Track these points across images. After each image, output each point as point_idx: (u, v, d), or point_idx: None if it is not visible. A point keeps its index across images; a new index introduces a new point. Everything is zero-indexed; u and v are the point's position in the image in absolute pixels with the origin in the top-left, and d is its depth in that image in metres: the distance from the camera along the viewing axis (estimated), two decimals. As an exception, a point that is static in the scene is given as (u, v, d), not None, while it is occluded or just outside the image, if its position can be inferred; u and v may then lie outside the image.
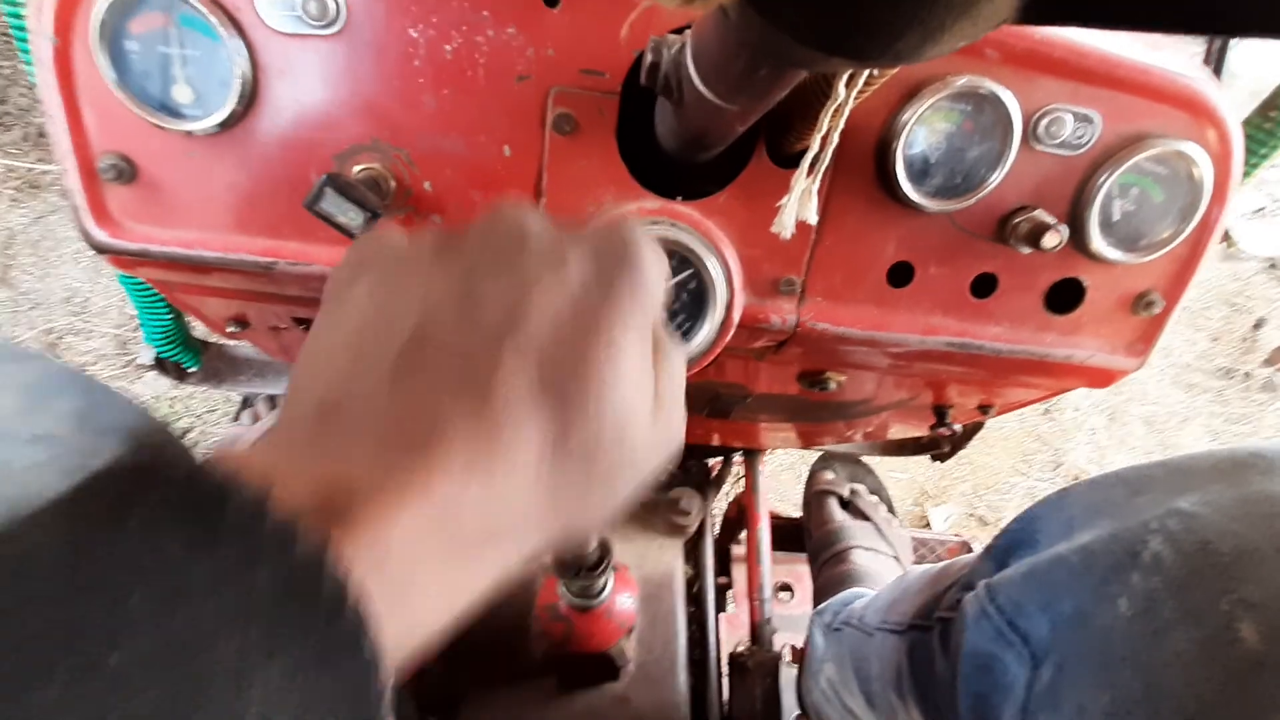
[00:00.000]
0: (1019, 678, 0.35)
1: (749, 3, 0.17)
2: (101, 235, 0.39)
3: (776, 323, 0.45)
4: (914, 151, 0.41)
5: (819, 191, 0.41)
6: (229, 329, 0.52)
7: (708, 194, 0.42)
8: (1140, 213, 0.42)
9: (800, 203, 0.28)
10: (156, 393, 1.53)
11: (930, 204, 0.42)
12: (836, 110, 0.25)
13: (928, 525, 1.75)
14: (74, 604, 0.12)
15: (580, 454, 0.20)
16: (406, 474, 0.17)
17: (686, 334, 0.43)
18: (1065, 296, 0.46)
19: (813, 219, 0.29)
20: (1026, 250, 0.43)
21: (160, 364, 0.66)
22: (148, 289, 0.60)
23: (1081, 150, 0.41)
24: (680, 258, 0.42)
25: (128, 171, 0.37)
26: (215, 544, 0.14)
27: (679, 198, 0.42)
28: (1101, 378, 0.50)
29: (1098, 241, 0.43)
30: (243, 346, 0.76)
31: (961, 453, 0.78)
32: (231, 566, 0.14)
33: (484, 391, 0.19)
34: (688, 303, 0.43)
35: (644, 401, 0.22)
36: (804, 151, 0.30)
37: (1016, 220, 0.42)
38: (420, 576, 0.17)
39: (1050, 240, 0.41)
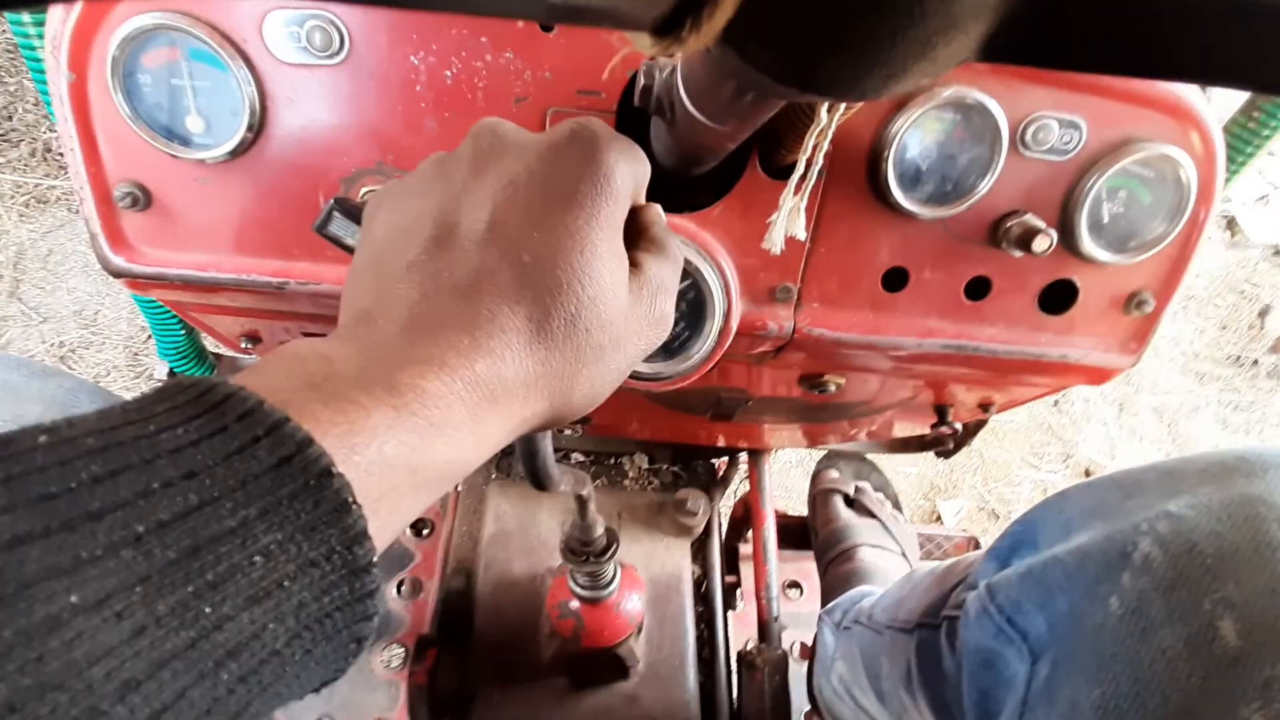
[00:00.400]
0: (1019, 673, 0.36)
1: (727, 44, 0.19)
2: (119, 260, 0.40)
3: (774, 329, 0.46)
4: (905, 160, 0.42)
5: (810, 202, 0.42)
6: (242, 345, 0.53)
7: (703, 206, 0.43)
8: (1129, 215, 0.43)
9: (789, 220, 0.29)
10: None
11: (923, 210, 0.42)
12: (820, 133, 0.26)
13: (938, 519, 1.75)
14: (109, 484, 0.15)
15: (562, 334, 0.23)
16: (417, 361, 0.21)
17: (685, 343, 0.44)
18: (1058, 297, 0.47)
19: (802, 235, 0.30)
20: (1018, 254, 0.43)
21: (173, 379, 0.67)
22: (161, 307, 0.62)
23: (1069, 156, 0.42)
24: (678, 269, 0.43)
25: (142, 199, 0.39)
26: (221, 431, 0.17)
27: (676, 211, 0.43)
28: (1097, 375, 0.51)
29: (1088, 244, 0.44)
30: (254, 359, 0.78)
31: (971, 446, 0.79)
32: (233, 450, 0.17)
33: (469, 290, 0.22)
34: (686, 312, 0.44)
35: (616, 285, 0.24)
36: (795, 164, 0.31)
37: (1008, 225, 0.43)
38: (439, 422, 0.20)
39: (1041, 244, 0.41)
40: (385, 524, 0.20)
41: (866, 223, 0.44)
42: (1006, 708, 0.36)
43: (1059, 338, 0.48)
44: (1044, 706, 0.32)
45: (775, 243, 0.30)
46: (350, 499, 0.17)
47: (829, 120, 0.25)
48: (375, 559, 0.18)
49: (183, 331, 0.65)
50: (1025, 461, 1.88)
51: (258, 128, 0.38)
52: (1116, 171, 0.41)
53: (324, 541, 0.17)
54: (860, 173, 0.43)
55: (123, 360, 1.60)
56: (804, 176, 0.27)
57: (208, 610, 0.15)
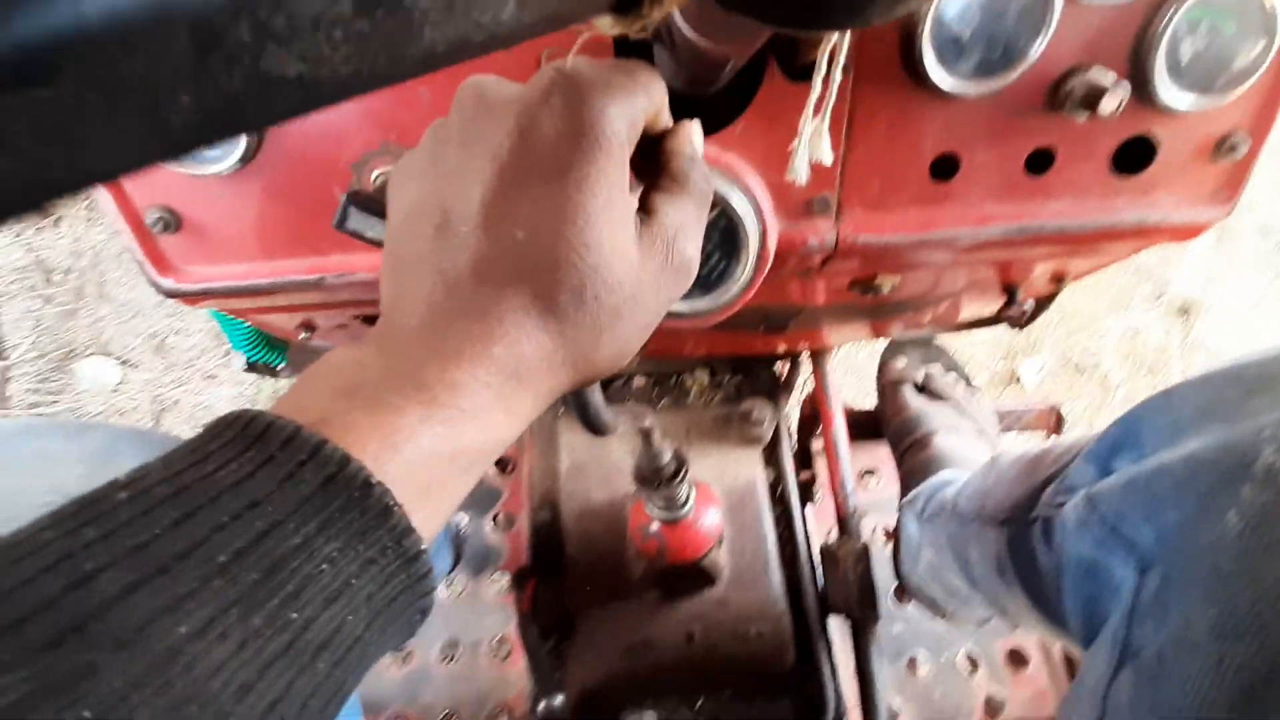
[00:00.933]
0: (1126, 581, 0.35)
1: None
2: (167, 283, 0.42)
3: (815, 244, 0.43)
4: (943, 32, 0.37)
5: (837, 104, 0.38)
6: (300, 335, 0.56)
7: (725, 123, 0.40)
8: (1212, 50, 0.37)
9: (811, 145, 0.27)
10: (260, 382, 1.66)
11: (968, 87, 0.38)
12: (832, 51, 0.23)
13: (1018, 381, 1.70)
14: (188, 526, 0.17)
15: (572, 306, 0.23)
16: (438, 355, 0.22)
17: (723, 275, 0.43)
18: (1134, 156, 0.42)
19: (828, 158, 0.28)
20: (1084, 117, 0.39)
21: (252, 367, 0.72)
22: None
23: (1138, -8, 0.36)
24: (705, 199, 0.40)
25: (173, 221, 0.40)
26: (269, 461, 0.19)
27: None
28: (1184, 233, 0.46)
29: (1167, 91, 0.38)
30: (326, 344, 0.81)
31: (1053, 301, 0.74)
32: (283, 476, 0.19)
33: (471, 277, 0.23)
34: (719, 242, 0.42)
35: (620, 246, 0.23)
36: (832, 53, 0.28)
37: (1069, 86, 0.38)
38: (469, 409, 0.22)
39: (1110, 103, 0.37)
40: (436, 510, 0.22)
41: (906, 112, 0.40)
42: (1114, 616, 0.35)
43: (1137, 200, 0.44)
44: (1153, 620, 0.31)
45: (799, 172, 0.28)
46: (391, 503, 0.19)
47: (840, 38, 0.23)
48: (424, 546, 0.20)
49: (248, 324, 0.68)
50: (1112, 307, 1.76)
51: (259, 129, 0.38)
52: (1196, 1, 0.35)
53: (376, 542, 0.19)
54: (893, 56, 0.38)
55: (210, 343, 1.71)
56: (822, 95, 0.25)
57: (294, 616, 0.18)
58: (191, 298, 0.43)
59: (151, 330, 1.72)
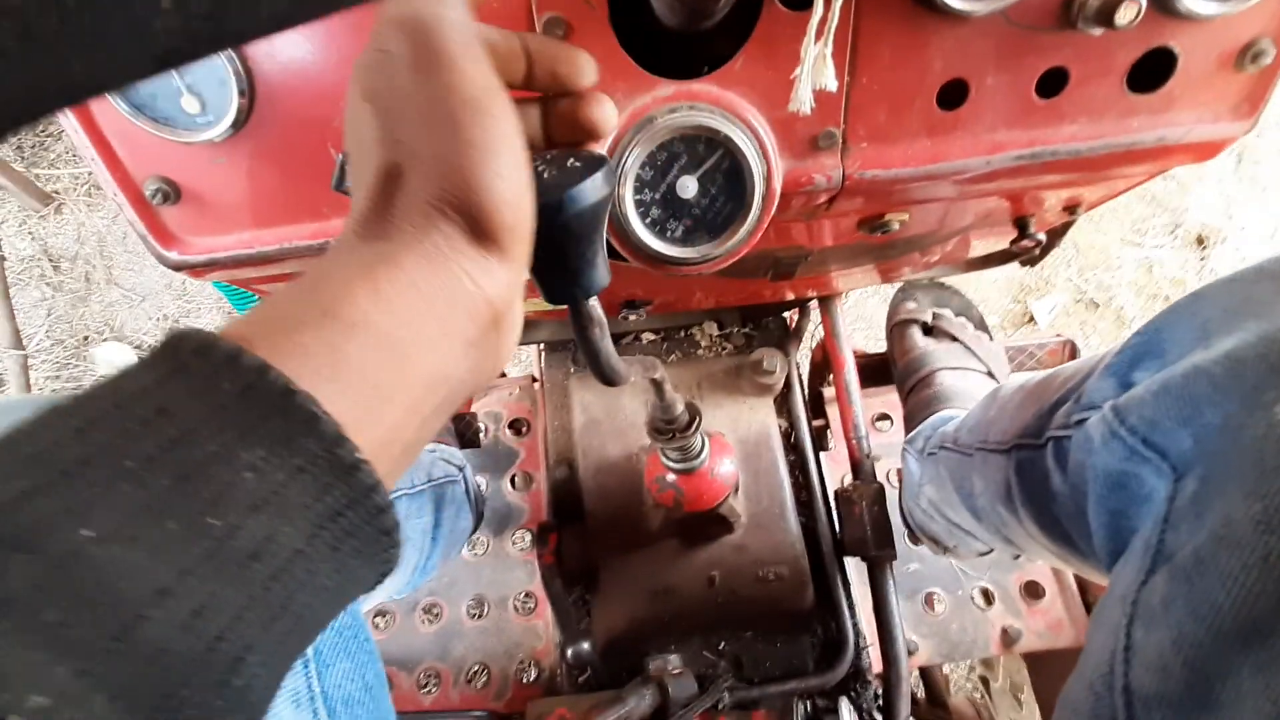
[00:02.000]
0: (1158, 490, 0.34)
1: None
2: (172, 255, 0.42)
3: (821, 182, 0.42)
4: (949, -53, 0.35)
5: (839, 33, 0.37)
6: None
7: (725, 59, 0.39)
8: (1240, -52, 0.35)
9: (814, 71, 0.26)
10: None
11: (977, 5, 0.36)
12: (834, -33, 0.22)
13: (1031, 321, 1.68)
14: (91, 433, 0.17)
15: (495, 222, 0.23)
16: (369, 279, 0.22)
17: (729, 218, 0.42)
18: (1152, 71, 0.40)
19: (832, 85, 0.27)
20: (1099, 31, 0.37)
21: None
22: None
23: (1158, -111, 0.34)
24: (706, 141, 0.40)
25: (172, 192, 0.39)
26: (181, 370, 0.18)
27: (694, 75, 0.39)
28: (1204, 151, 0.44)
29: (1187, -3, 0.36)
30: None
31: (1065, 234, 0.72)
32: (197, 385, 0.18)
33: (379, 202, 0.23)
34: (724, 185, 0.41)
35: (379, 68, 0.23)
36: None
37: (1083, -2, 0.36)
38: (398, 321, 0.22)
39: (1126, 14, 0.35)
40: (385, 431, 0.21)
41: (911, 36, 0.38)
42: (1145, 525, 0.34)
43: (1155, 118, 0.42)
44: (1189, 523, 0.31)
45: (803, 101, 0.27)
46: (316, 410, 0.19)
47: (841, -51, 0.21)
48: (361, 457, 0.19)
49: (256, 296, 0.68)
50: (1125, 240, 1.73)
51: (249, 93, 0.37)
52: (1222, -105, 0.33)
53: (304, 450, 0.18)
54: (896, -23, 0.37)
55: (222, 320, 1.72)
56: (824, 17, 0.24)
57: (215, 523, 0.17)
58: (197, 269, 0.43)
59: (163, 312, 1.73)
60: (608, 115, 0.29)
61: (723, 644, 0.76)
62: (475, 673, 0.89)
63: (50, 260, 1.78)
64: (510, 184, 0.23)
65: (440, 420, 0.24)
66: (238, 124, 0.38)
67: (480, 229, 0.23)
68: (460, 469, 0.81)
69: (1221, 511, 0.29)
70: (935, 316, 0.88)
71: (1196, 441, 0.32)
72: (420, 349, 0.22)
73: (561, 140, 0.30)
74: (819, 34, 0.25)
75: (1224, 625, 0.27)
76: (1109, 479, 0.37)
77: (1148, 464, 0.34)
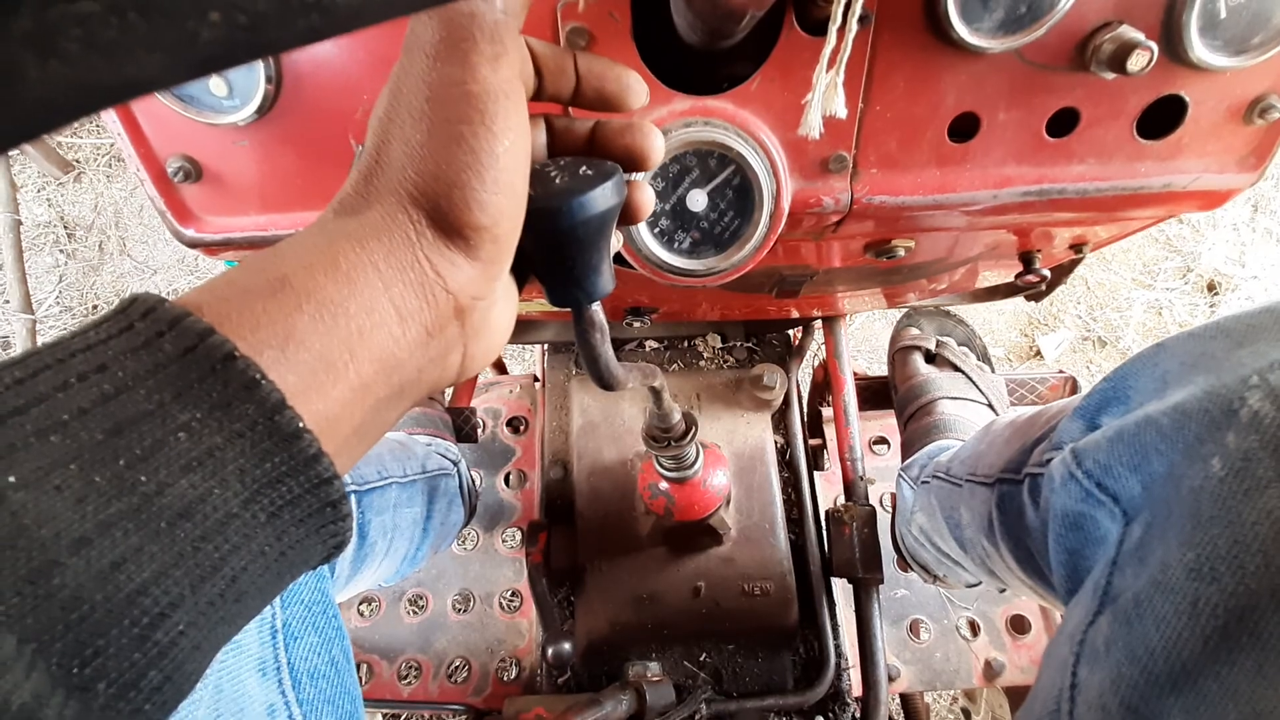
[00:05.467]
0: (1111, 533, 0.35)
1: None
2: (189, 232, 0.43)
3: (830, 204, 0.43)
4: (968, -16, 0.36)
5: (855, 58, 0.38)
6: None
7: (744, 78, 0.40)
8: (1253, 4, 0.36)
9: (825, 99, 0.27)
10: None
11: (992, 43, 0.37)
12: (848, 2, 0.23)
13: (1038, 355, 1.68)
14: (30, 383, 0.17)
15: (465, 220, 0.23)
16: (355, 248, 0.22)
17: (736, 232, 0.42)
18: (1162, 118, 0.41)
19: (842, 113, 0.27)
20: (1111, 75, 0.38)
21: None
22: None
23: (1176, -58, 0.34)
24: (719, 156, 0.40)
25: (193, 171, 0.40)
26: (127, 330, 0.19)
27: (712, 91, 0.40)
28: (1210, 200, 0.45)
29: (1200, 49, 0.37)
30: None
31: (1073, 271, 0.72)
32: (139, 344, 0.18)
33: (360, 188, 0.24)
34: (733, 200, 0.42)
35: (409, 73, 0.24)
36: (847, 3, 0.27)
37: (1097, 42, 0.37)
38: (363, 303, 0.22)
39: (1138, 61, 0.36)
40: (335, 406, 0.21)
41: (926, 68, 0.39)
42: (1097, 566, 0.35)
43: (1163, 164, 0.43)
44: (1133, 567, 0.32)
45: (812, 126, 0.27)
46: (258, 375, 0.19)
47: (856, -16, 0.22)
48: (303, 426, 0.19)
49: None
50: (1137, 281, 1.73)
51: (276, 79, 0.38)
52: (1239, -49, 0.34)
53: (242, 415, 0.18)
54: (915, 9, 0.37)
55: (229, 299, 1.73)
56: (837, 47, 0.24)
57: (143, 479, 0.17)
58: (212, 247, 0.44)
59: (173, 286, 1.74)
60: (655, 146, 0.29)
61: (704, 655, 0.76)
62: (456, 667, 0.89)
63: (66, 228, 1.80)
64: (491, 187, 0.23)
65: (397, 409, 0.24)
66: (263, 109, 0.38)
67: (448, 224, 0.23)
68: (455, 463, 0.81)
69: (1161, 557, 0.30)
70: (939, 344, 0.88)
71: (1145, 488, 0.33)
72: (373, 328, 0.22)
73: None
74: (831, 62, 0.25)
75: (1156, 668, 0.28)
76: (1067, 519, 0.38)
77: (1102, 506, 0.35)
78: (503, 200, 0.24)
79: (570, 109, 0.35)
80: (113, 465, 0.17)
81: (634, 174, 0.29)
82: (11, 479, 0.16)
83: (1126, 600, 0.31)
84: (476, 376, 1.06)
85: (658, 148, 0.28)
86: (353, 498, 0.57)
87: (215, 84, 0.38)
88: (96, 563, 0.16)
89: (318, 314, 0.21)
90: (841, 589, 0.82)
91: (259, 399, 0.19)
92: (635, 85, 0.27)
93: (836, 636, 0.77)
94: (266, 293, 0.20)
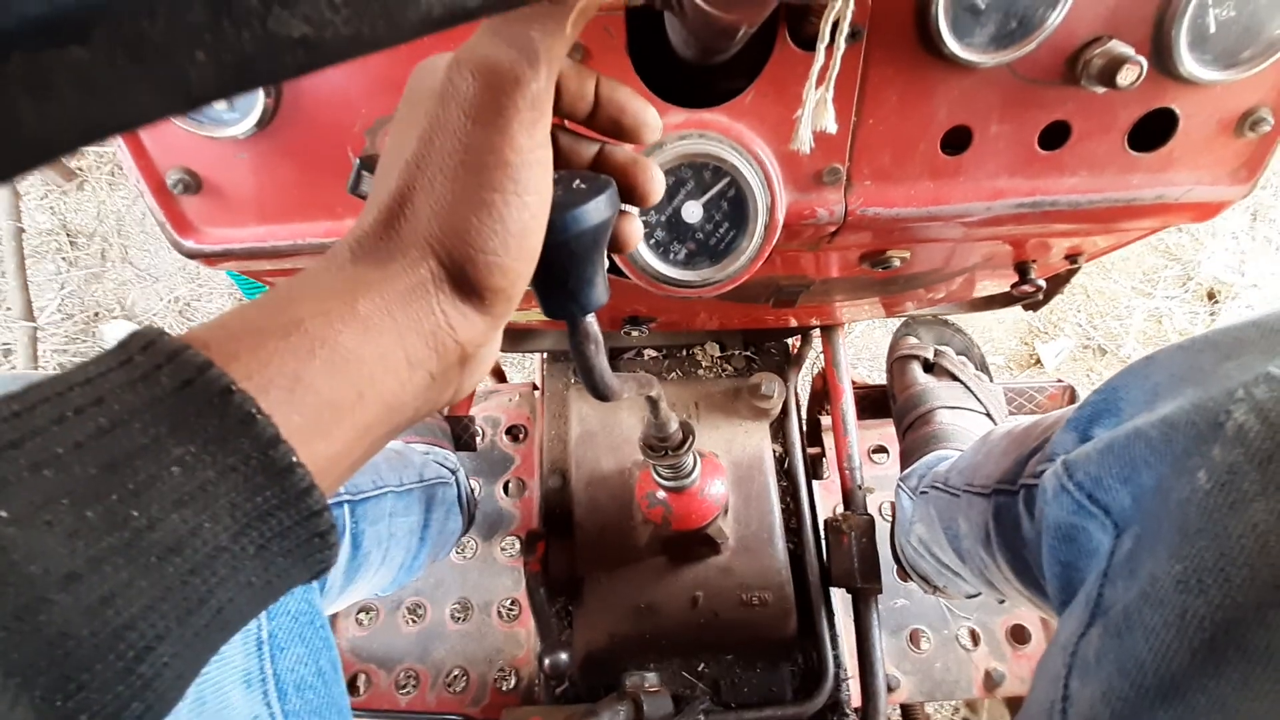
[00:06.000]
0: (1103, 544, 0.35)
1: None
2: (189, 244, 0.43)
3: (824, 216, 0.43)
4: (958, 2, 0.36)
5: (847, 73, 0.38)
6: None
7: (737, 92, 0.40)
8: (1241, 18, 0.36)
9: (815, 114, 0.27)
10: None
11: (983, 57, 0.37)
12: (836, 20, 0.23)
13: (1038, 363, 1.68)
14: (26, 417, 0.17)
15: (483, 280, 0.24)
16: (345, 302, 0.22)
17: (731, 244, 0.43)
18: (1153, 131, 0.41)
19: (832, 128, 0.28)
20: (1101, 89, 0.38)
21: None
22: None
23: (1164, -41, 0.35)
24: (713, 169, 0.41)
25: (193, 183, 0.41)
26: (126, 363, 0.19)
27: (707, 105, 0.40)
28: (1202, 211, 0.45)
29: (1189, 63, 0.37)
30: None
31: (1073, 280, 0.73)
32: (137, 377, 0.18)
33: (379, 231, 0.24)
34: (728, 212, 0.42)
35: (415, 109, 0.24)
36: (835, 21, 0.28)
37: (1087, 57, 0.37)
38: (377, 352, 0.22)
39: (1128, 75, 0.36)
40: (330, 443, 0.21)
41: (919, 82, 0.39)
42: (1089, 578, 0.35)
43: (1154, 176, 0.43)
44: (1124, 580, 0.32)
45: (803, 141, 0.28)
46: (254, 410, 0.19)
47: (844, 4, 0.22)
48: (296, 460, 0.19)
49: (267, 287, 0.70)
50: (1137, 290, 1.73)
51: (275, 93, 0.38)
52: (1227, -33, 0.34)
53: (237, 450, 0.19)
54: (907, 24, 0.38)
55: (232, 305, 1.74)
56: (826, 65, 0.25)
57: (135, 514, 0.17)
58: (211, 258, 0.44)
59: (175, 294, 1.75)
60: (657, 187, 0.29)
61: (702, 666, 0.76)
62: (454, 676, 0.89)
63: (68, 235, 1.81)
64: (513, 254, 0.23)
65: (388, 441, 0.24)
66: (262, 123, 0.39)
67: (468, 283, 0.24)
68: (453, 472, 0.81)
69: (1150, 569, 0.30)
70: (937, 354, 0.88)
71: (1135, 500, 0.33)
72: (383, 376, 0.22)
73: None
74: (820, 79, 0.26)
75: (1145, 681, 0.28)
76: (1059, 531, 0.38)
77: (1094, 519, 0.36)
78: (522, 265, 0.24)
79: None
80: (105, 500, 0.17)
81: (627, 206, 0.30)
82: (3, 514, 0.16)
83: (1117, 613, 0.31)
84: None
85: (658, 189, 0.29)
86: (346, 507, 0.57)
87: (215, 98, 0.38)
88: (85, 598, 0.16)
89: (330, 360, 0.21)
90: (840, 599, 0.81)
91: (254, 434, 0.19)
92: (652, 121, 0.27)
93: (835, 647, 0.77)
94: (279, 334, 0.20)
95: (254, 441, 0.19)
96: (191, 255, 0.44)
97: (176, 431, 0.18)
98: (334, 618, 0.91)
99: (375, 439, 0.23)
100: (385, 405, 0.22)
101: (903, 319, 0.99)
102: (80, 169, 1.82)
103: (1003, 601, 0.88)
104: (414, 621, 0.92)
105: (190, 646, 0.18)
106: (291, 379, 0.20)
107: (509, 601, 0.93)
